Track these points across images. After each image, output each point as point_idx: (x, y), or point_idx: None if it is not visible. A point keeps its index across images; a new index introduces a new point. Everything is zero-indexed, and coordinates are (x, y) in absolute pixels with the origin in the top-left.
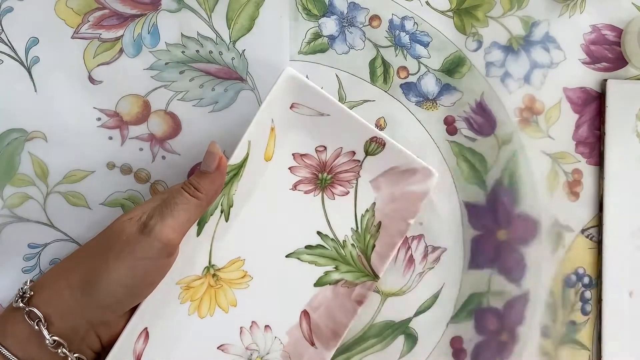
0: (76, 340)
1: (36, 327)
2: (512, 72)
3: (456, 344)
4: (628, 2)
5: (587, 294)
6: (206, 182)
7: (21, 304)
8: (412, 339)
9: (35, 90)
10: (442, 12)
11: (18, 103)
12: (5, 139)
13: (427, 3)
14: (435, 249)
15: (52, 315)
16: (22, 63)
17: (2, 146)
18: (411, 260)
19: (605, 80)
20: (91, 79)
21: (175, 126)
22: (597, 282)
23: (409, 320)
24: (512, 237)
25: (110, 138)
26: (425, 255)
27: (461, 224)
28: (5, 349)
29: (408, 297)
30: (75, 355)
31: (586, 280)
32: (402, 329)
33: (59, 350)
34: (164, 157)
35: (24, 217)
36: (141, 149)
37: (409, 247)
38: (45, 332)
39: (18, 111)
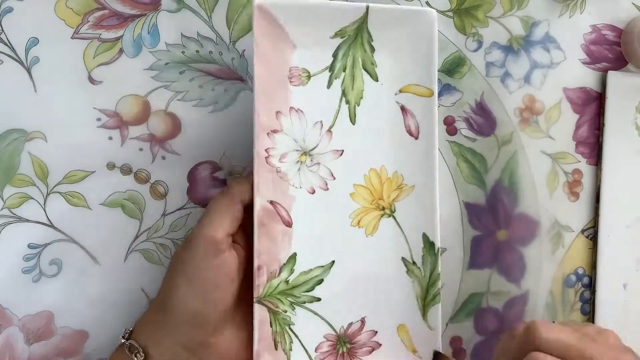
0: None
1: (135, 359)
2: (512, 72)
3: (456, 344)
4: (628, 2)
5: (587, 294)
6: (234, 181)
7: (122, 340)
8: None
9: (35, 90)
10: (442, 12)
11: (18, 103)
12: (5, 139)
13: (427, 3)
14: None
15: (148, 346)
16: (22, 63)
17: (2, 146)
18: None
19: (606, 72)
20: (91, 79)
21: (175, 126)
22: (591, 273)
23: None
24: (512, 237)
25: (110, 138)
26: None
27: (461, 224)
28: None
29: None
30: None
31: (586, 280)
32: None
33: None
34: (164, 157)
35: (24, 217)
36: (141, 149)
37: None
38: None
39: (18, 111)
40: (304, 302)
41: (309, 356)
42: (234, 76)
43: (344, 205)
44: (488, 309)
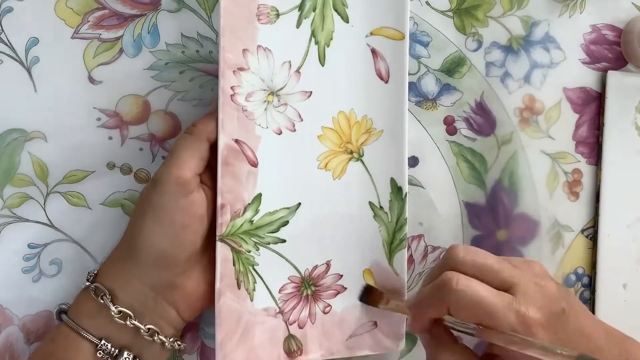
0: (147, 312)
1: (101, 301)
2: (512, 72)
3: None
4: (628, 2)
5: (587, 294)
6: (199, 120)
7: (86, 282)
8: (412, 339)
9: (35, 90)
10: (442, 12)
11: (18, 103)
12: (5, 139)
13: (427, 3)
14: (435, 248)
15: (115, 289)
16: (22, 63)
17: (2, 146)
18: (411, 260)
19: (606, 72)
20: (91, 79)
21: (175, 126)
22: (591, 273)
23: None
24: (512, 237)
25: (110, 138)
26: (425, 255)
27: (461, 224)
28: (79, 326)
29: (408, 297)
30: (148, 326)
31: (585, 280)
32: None
33: (127, 322)
34: (164, 157)
35: (24, 217)
36: (141, 149)
37: (409, 247)
38: (109, 304)
39: (18, 111)
40: (269, 243)
41: (273, 297)
42: None
43: (312, 147)
44: None
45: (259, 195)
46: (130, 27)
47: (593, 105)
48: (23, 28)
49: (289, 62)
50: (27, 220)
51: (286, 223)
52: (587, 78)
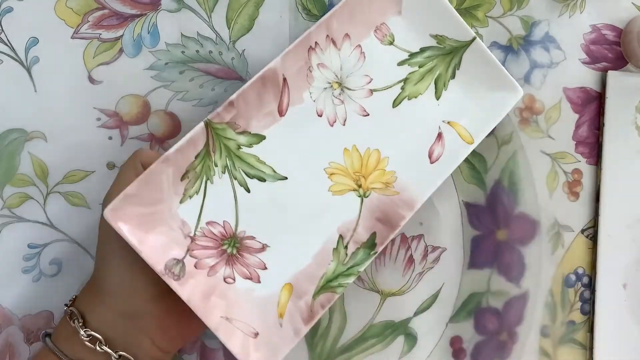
0: (118, 339)
1: (72, 324)
2: (512, 72)
3: (456, 343)
4: (628, 2)
5: (587, 294)
6: (137, 150)
7: (65, 306)
8: (412, 339)
9: (35, 90)
10: None
11: (18, 103)
12: (5, 139)
13: None
14: (435, 248)
15: (86, 314)
16: (22, 63)
17: (2, 146)
18: (411, 260)
19: (606, 72)
20: (91, 79)
21: (175, 126)
22: (591, 273)
23: (409, 320)
24: (512, 237)
25: (110, 138)
26: (425, 255)
27: (461, 224)
28: (57, 348)
29: (408, 297)
30: (119, 353)
31: (585, 280)
32: (402, 329)
33: (97, 347)
34: None
35: (24, 217)
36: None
37: (409, 247)
38: (78, 327)
39: (18, 111)
40: (235, 178)
41: (198, 220)
42: (234, 76)
43: (332, 151)
44: (488, 309)
45: (262, 137)
46: (130, 27)
47: (593, 105)
48: (23, 28)
49: (371, 78)
50: (27, 220)
51: (263, 180)
52: (587, 78)
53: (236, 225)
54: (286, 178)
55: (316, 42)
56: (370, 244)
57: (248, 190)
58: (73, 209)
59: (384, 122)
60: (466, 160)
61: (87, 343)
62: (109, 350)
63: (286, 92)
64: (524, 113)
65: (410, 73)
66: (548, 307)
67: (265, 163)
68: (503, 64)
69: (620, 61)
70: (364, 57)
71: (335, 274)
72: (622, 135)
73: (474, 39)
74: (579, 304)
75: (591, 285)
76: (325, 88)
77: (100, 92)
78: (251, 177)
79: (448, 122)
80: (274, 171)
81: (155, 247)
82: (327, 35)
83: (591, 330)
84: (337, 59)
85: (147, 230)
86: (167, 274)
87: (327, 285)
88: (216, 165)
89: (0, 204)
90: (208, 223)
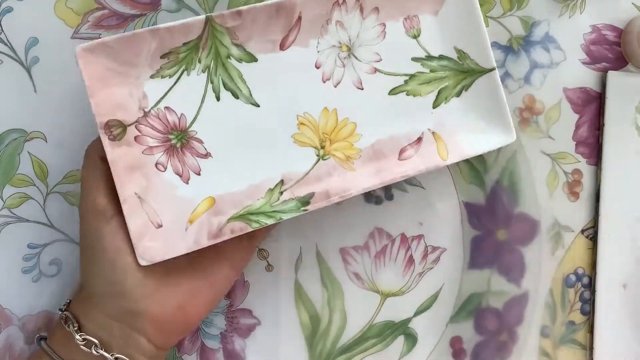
0: (114, 341)
1: (67, 329)
2: (512, 72)
3: (456, 344)
4: (628, 2)
5: (587, 294)
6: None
7: (59, 311)
8: (412, 339)
9: (35, 90)
10: None
11: (18, 103)
12: (5, 139)
13: None
14: (434, 249)
15: (80, 318)
16: (21, 63)
17: (2, 146)
18: (411, 260)
19: (606, 72)
20: None
21: None
22: (591, 273)
23: (409, 320)
24: (512, 237)
25: None
26: (424, 256)
27: (461, 224)
28: (54, 351)
29: (408, 297)
30: (115, 356)
31: (586, 280)
32: (402, 329)
33: (92, 350)
34: None
35: (24, 217)
36: None
37: (409, 247)
38: (74, 332)
39: (18, 111)
40: (219, 83)
41: (159, 102)
42: None
43: (312, 106)
44: (488, 309)
45: (254, 59)
46: (130, 27)
47: (593, 106)
48: (23, 28)
49: (380, 58)
50: (27, 221)
51: (236, 96)
52: (587, 78)
53: (191, 123)
54: (258, 105)
55: (344, 0)
56: (305, 201)
57: (218, 99)
58: (73, 209)
59: (373, 102)
60: (466, 160)
61: (82, 347)
62: (105, 354)
63: (296, 30)
64: (524, 113)
65: (419, 72)
66: (548, 307)
67: (245, 82)
68: (503, 64)
69: (620, 61)
70: (384, 36)
71: (260, 210)
72: (622, 135)
73: (493, 69)
74: (579, 304)
75: (591, 286)
76: (334, 46)
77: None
78: (227, 89)
79: (433, 132)
80: (250, 94)
81: (107, 102)
82: (357, 0)
83: (591, 330)
84: (357, 25)
85: (107, 84)
86: (105, 131)
87: (245, 216)
88: (199, 62)
89: (0, 204)
90: (166, 108)
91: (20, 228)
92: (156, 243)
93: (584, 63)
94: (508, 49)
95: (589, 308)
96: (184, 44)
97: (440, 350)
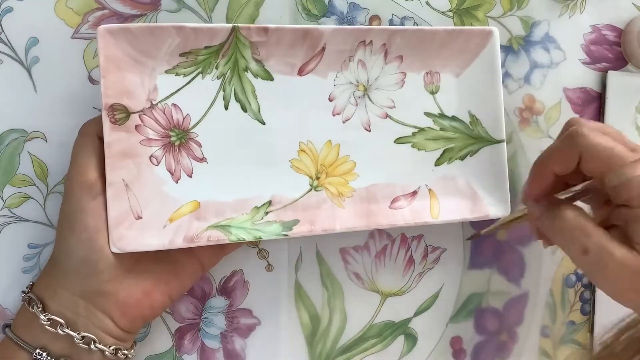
0: (79, 320)
1: (31, 310)
2: (512, 72)
3: (456, 344)
4: (628, 2)
5: (587, 294)
6: (85, 122)
7: (22, 293)
8: (412, 339)
9: (35, 90)
10: (442, 12)
11: (18, 103)
12: (5, 139)
13: (427, 3)
14: (435, 249)
15: (45, 298)
16: (22, 63)
17: (2, 146)
18: (411, 260)
19: (606, 72)
20: (91, 79)
21: None
22: None
23: (409, 320)
24: (512, 237)
25: None
26: (425, 256)
27: (461, 224)
28: (17, 336)
29: (408, 297)
30: (82, 334)
31: (585, 280)
32: (402, 329)
33: (58, 330)
34: None
35: (24, 217)
36: None
37: (409, 247)
38: (39, 313)
39: (18, 111)
40: (231, 93)
41: (167, 98)
42: None
43: (316, 137)
44: (488, 309)
45: (271, 78)
46: None
47: (593, 106)
48: (23, 28)
49: (394, 105)
50: (27, 220)
51: (245, 110)
52: (587, 78)
53: (195, 125)
54: (264, 124)
55: (371, 42)
56: (288, 226)
57: (226, 108)
58: None
59: (377, 147)
60: None
61: (48, 327)
62: (72, 333)
63: (318, 59)
64: (524, 113)
65: (429, 127)
66: (548, 307)
67: (256, 98)
68: (503, 64)
69: (620, 61)
70: (402, 85)
71: (241, 225)
72: None
73: (502, 141)
74: (579, 304)
75: (591, 286)
76: (351, 83)
77: (100, 92)
78: (237, 100)
79: (429, 189)
80: (259, 111)
81: (117, 85)
82: (384, 44)
83: (591, 330)
84: (378, 68)
85: (121, 69)
86: (108, 113)
87: (226, 227)
88: (216, 68)
89: (0, 204)
90: (174, 105)
91: (21, 228)
92: (131, 233)
93: (584, 63)
94: (508, 49)
95: (589, 308)
96: (206, 47)
97: (440, 350)
